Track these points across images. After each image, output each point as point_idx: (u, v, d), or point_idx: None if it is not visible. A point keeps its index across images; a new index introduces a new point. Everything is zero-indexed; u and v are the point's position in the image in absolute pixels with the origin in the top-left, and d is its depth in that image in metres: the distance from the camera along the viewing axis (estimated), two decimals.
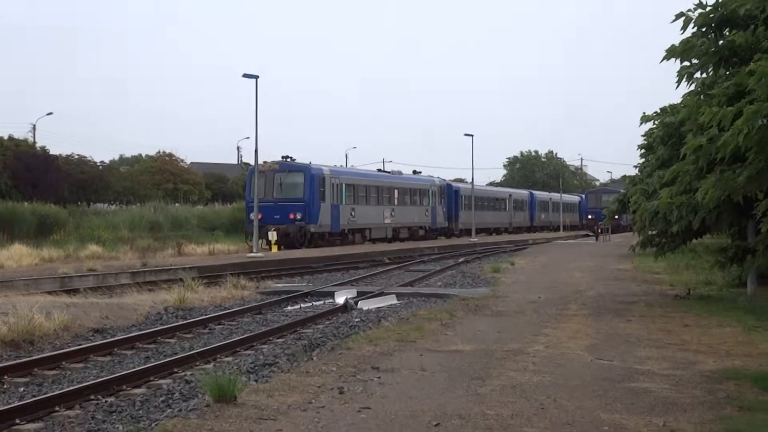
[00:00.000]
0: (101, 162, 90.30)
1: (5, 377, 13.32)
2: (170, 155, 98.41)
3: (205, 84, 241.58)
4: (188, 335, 17.97)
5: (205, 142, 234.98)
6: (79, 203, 79.10)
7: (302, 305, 23.22)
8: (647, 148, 33.98)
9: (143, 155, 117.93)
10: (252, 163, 51.08)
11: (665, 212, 19.20)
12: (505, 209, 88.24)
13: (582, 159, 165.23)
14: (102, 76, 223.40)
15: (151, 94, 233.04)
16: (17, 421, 10.47)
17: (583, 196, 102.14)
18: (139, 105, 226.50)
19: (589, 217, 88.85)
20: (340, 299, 23.10)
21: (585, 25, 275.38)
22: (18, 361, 14.53)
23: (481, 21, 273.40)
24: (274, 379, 11.60)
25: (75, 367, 14.46)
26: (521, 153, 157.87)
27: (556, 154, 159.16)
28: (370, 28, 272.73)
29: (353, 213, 55.07)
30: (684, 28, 17.82)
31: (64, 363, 14.59)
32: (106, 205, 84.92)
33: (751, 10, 16.80)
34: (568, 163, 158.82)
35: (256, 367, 13.75)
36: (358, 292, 24.53)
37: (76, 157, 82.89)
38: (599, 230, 69.26)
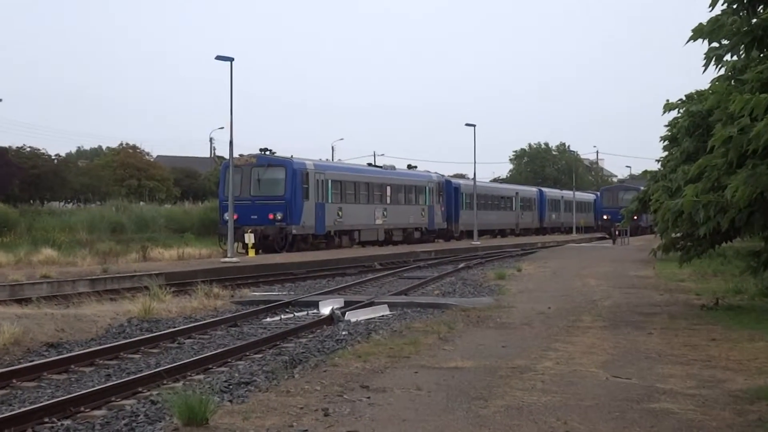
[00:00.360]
0: (56, 155, 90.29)
1: None
2: (134, 148, 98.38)
3: (174, 69, 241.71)
4: (154, 350, 17.96)
5: (174, 133, 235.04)
6: (32, 202, 79.01)
7: (283, 317, 23.22)
8: (671, 140, 34.08)
9: (104, 148, 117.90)
10: (226, 156, 51.09)
11: (690, 212, 19.21)
12: (511, 209, 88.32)
13: (598, 152, 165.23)
14: (57, 60, 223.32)
15: (113, 79, 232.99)
16: None
17: (599, 194, 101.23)
18: (100, 92, 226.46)
19: (605, 217, 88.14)
20: (325, 310, 23.11)
21: (601, 6, 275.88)
22: None
23: (483, 3, 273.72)
24: (251, 400, 11.61)
25: (27, 386, 14.44)
26: (530, 146, 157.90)
27: (568, 146, 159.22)
28: (360, 10, 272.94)
29: (340, 213, 55.06)
30: (712, 5, 17.80)
31: (14, 381, 14.56)
32: (62, 203, 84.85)
33: None
34: (582, 156, 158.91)
35: (231, 386, 13.74)
36: (345, 302, 24.53)
37: (29, 149, 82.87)
38: (617, 232, 69.23)
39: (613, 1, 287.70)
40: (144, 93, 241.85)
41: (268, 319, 22.75)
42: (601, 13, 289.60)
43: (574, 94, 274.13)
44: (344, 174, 57.90)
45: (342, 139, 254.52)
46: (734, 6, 17.79)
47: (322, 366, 14.08)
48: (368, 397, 11.35)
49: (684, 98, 29.18)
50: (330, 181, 54.31)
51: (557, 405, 10.88)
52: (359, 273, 38.88)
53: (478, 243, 65.67)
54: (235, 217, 44.90)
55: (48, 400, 13.01)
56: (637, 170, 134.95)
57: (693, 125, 25.84)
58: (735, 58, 18.74)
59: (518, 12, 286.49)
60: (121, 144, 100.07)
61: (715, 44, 18.29)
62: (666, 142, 35.99)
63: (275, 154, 52.18)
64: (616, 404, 10.93)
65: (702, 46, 18.26)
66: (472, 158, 68.97)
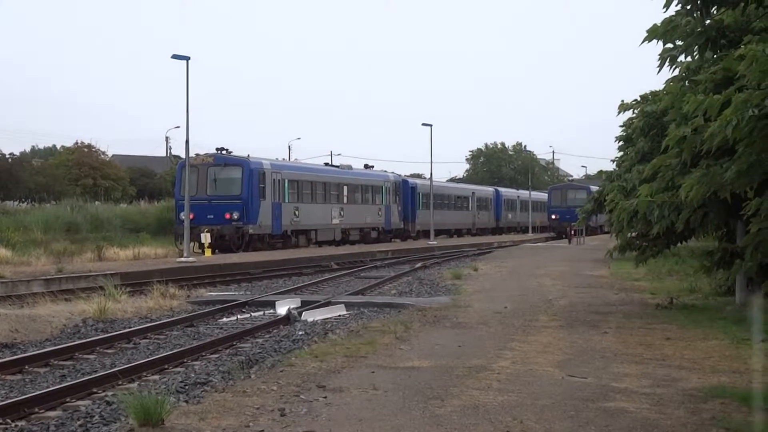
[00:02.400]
0: (10, 154, 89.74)
1: None
2: (89, 147, 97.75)
3: (130, 67, 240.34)
4: (110, 351, 17.86)
5: (130, 131, 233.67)
6: None
7: (239, 316, 23.15)
8: (626, 140, 34.35)
9: (58, 147, 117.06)
10: (182, 155, 50.81)
11: (645, 212, 19.34)
12: (467, 208, 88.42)
13: (554, 152, 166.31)
14: (10, 58, 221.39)
15: (68, 77, 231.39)
16: None
17: (547, 193, 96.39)
18: (54, 90, 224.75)
19: (553, 217, 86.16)
20: (281, 310, 23.05)
21: (557, 6, 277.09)
22: None
23: (440, 3, 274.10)
24: (207, 400, 11.57)
25: None
26: (486, 145, 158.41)
27: (524, 146, 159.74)
28: (316, 11, 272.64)
29: (297, 212, 54.95)
30: (667, 5, 17.90)
31: None
32: (16, 203, 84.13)
33: None
34: (538, 156, 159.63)
35: (187, 387, 13.69)
36: (302, 302, 24.49)
37: None
38: (572, 232, 69.07)
39: (567, 1, 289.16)
40: (99, 91, 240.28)
41: (225, 319, 22.69)
42: (557, 13, 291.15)
43: (530, 95, 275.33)
44: (301, 174, 57.79)
45: (299, 138, 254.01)
46: (688, 7, 17.91)
47: (279, 366, 14.06)
48: (325, 397, 11.34)
49: (639, 99, 29.36)
50: (287, 181, 54.18)
51: (513, 404, 10.92)
52: (316, 273, 38.82)
53: (435, 243, 65.73)
54: (192, 216, 44.71)
55: (2, 400, 12.91)
56: (592, 170, 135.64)
57: (647, 125, 26.01)
58: (689, 59, 18.90)
59: (474, 12, 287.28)
60: (76, 143, 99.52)
61: (669, 45, 18.43)
62: (621, 143, 36.25)
63: (232, 154, 52.01)
64: (572, 403, 10.98)
65: (656, 46, 18.41)
66: (429, 158, 68.86)
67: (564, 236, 74.47)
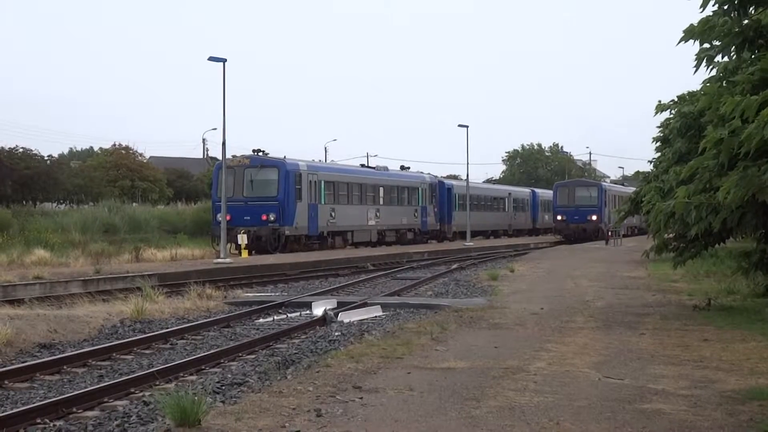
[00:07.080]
0: (49, 156, 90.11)
1: None
2: (127, 149, 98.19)
3: (167, 69, 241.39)
4: (147, 351, 17.96)
5: (167, 133, 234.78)
6: (25, 202, 78.88)
7: (275, 317, 23.22)
8: (663, 141, 34.18)
9: (96, 149, 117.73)
10: (219, 157, 50.99)
11: (683, 213, 19.22)
12: (504, 210, 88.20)
13: (591, 153, 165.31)
14: (49, 61, 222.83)
15: (106, 80, 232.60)
16: None
17: (552, 191, 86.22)
18: (92, 92, 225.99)
19: (559, 218, 79.53)
20: (318, 311, 23.11)
21: (595, 6, 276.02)
22: None
23: (475, 4, 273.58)
24: (244, 400, 11.60)
25: (19, 387, 14.44)
26: (522, 146, 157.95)
27: (561, 147, 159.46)
28: (353, 10, 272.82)
29: (333, 213, 55.03)
30: (704, 5, 17.81)
31: (6, 382, 14.55)
32: (54, 204, 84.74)
33: None
34: (575, 157, 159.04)
35: (224, 387, 13.75)
36: (338, 303, 24.55)
37: (21, 150, 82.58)
38: (609, 234, 67.94)
39: (606, 2, 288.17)
40: (137, 94, 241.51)
41: (261, 320, 22.76)
42: (595, 13, 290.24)
43: (568, 95, 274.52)
44: (337, 175, 57.87)
45: (335, 139, 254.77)
46: (725, 7, 17.80)
47: (315, 367, 14.07)
48: (361, 398, 11.35)
49: (676, 99, 29.21)
50: (323, 182, 54.27)
51: (549, 405, 10.89)
52: (352, 274, 38.88)
53: (471, 244, 65.66)
54: (228, 218, 44.90)
55: (40, 400, 13.01)
56: (629, 171, 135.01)
57: (685, 126, 25.84)
58: (726, 59, 18.77)
59: (512, 13, 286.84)
60: (114, 145, 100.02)
61: (706, 45, 18.31)
62: (658, 143, 36.07)
63: (268, 155, 52.15)
64: (608, 405, 10.94)
65: (693, 46, 18.30)
66: (465, 159, 68.14)
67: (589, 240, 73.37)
